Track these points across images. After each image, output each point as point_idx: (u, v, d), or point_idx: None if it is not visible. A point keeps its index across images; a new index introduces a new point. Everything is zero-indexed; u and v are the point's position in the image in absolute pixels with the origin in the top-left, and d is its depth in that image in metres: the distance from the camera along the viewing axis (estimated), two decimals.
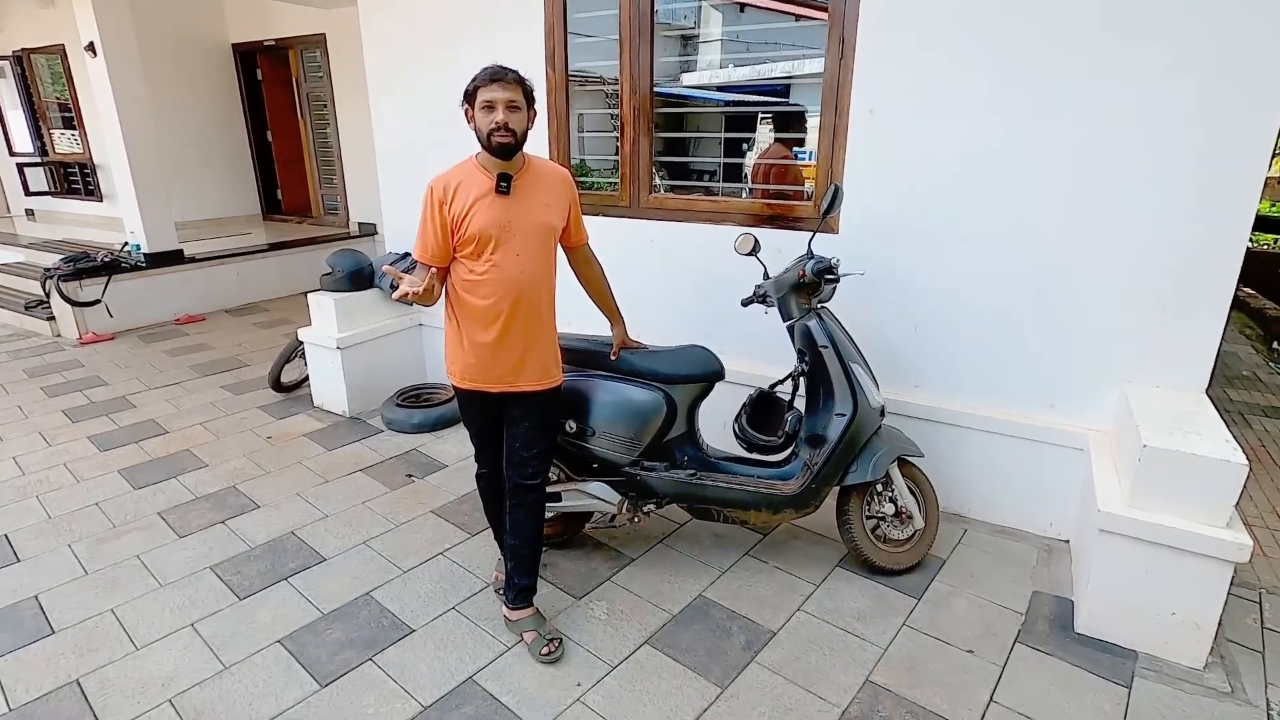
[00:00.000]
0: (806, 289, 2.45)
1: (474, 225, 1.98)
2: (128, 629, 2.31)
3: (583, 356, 2.52)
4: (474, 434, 2.31)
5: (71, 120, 8.30)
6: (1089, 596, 2.24)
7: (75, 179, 8.63)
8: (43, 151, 8.76)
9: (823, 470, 2.41)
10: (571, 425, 2.47)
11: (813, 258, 2.43)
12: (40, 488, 3.23)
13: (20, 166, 8.72)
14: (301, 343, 4.11)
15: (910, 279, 2.85)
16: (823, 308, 2.52)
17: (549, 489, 2.48)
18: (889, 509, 2.52)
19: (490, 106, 1.93)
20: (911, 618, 2.36)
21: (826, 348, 2.41)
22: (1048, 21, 2.40)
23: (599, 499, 2.55)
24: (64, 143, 8.59)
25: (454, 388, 2.21)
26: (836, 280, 2.45)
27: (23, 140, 9.02)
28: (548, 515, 2.53)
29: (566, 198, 2.18)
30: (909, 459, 2.57)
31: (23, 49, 8.31)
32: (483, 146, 2.00)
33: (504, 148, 1.96)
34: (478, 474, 2.38)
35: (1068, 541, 2.77)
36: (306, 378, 4.24)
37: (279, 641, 2.24)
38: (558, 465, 2.61)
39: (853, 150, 2.83)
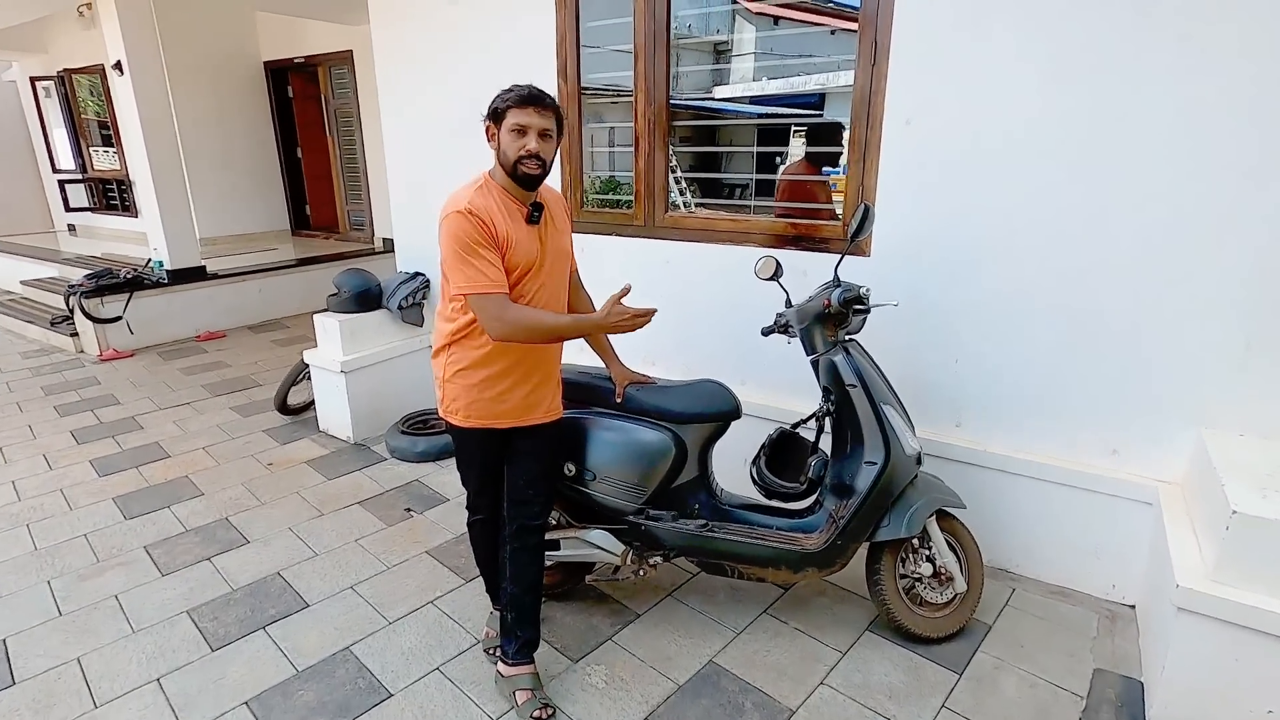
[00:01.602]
0: (832, 320, 2.19)
1: (515, 258, 1.83)
2: (90, 682, 2.14)
3: (583, 392, 2.30)
4: (475, 476, 2.11)
5: (110, 138, 8.47)
6: (1164, 682, 1.92)
7: (113, 195, 8.79)
8: (83, 168, 8.96)
9: (850, 525, 2.13)
10: (570, 468, 2.24)
11: (839, 285, 2.17)
12: (33, 515, 3.13)
13: (62, 183, 8.92)
14: (307, 365, 3.98)
15: (951, 305, 2.57)
16: (851, 340, 2.26)
17: (547, 535, 2.25)
18: (926, 569, 2.23)
19: (521, 131, 1.77)
20: (952, 698, 2.06)
21: (855, 387, 2.14)
22: (1109, 6, 2.12)
23: (601, 549, 2.31)
24: (102, 160, 8.77)
25: (454, 428, 2.01)
26: (866, 311, 2.18)
27: (65, 158, 9.25)
28: (545, 564, 2.31)
29: (570, 223, 2.10)
30: (949, 511, 2.28)
31: (65, 69, 8.52)
32: (505, 171, 1.83)
33: (530, 180, 1.81)
34: (471, 521, 2.17)
35: (1133, 607, 2.43)
36: (313, 400, 4.11)
37: (246, 704, 2.05)
38: (557, 510, 2.39)
39: (886, 164, 2.57)
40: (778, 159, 9.69)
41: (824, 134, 4.47)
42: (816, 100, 11.39)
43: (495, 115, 1.80)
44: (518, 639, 2.05)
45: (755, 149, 11.11)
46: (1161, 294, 2.21)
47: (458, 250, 1.77)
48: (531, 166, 1.78)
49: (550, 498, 2.13)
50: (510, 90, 1.78)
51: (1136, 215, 2.20)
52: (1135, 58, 2.11)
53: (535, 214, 1.86)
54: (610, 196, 5.35)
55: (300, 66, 8.01)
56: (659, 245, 3.18)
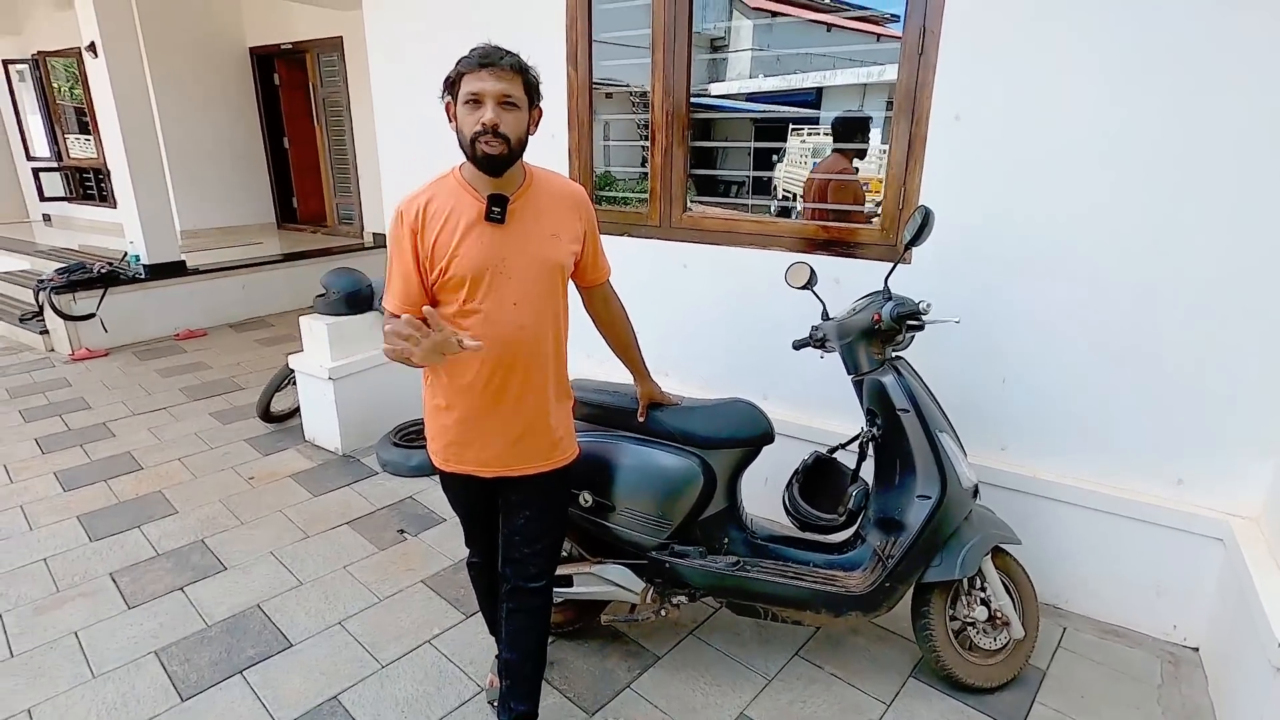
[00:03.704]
0: (881, 336, 1.97)
1: (458, 264, 1.49)
2: None
3: (602, 413, 2.07)
4: (463, 519, 1.86)
5: (87, 125, 8.11)
6: None
7: (90, 184, 8.44)
8: (58, 156, 8.60)
9: (899, 565, 1.92)
10: (586, 498, 2.01)
11: (891, 298, 1.95)
12: None
13: (36, 171, 8.55)
14: (292, 370, 3.71)
15: (1000, 318, 2.36)
16: (898, 358, 2.04)
17: (559, 571, 2.02)
18: (981, 613, 2.02)
19: (476, 101, 1.43)
20: None
21: (907, 412, 1.92)
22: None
23: (619, 586, 2.09)
24: (79, 147, 8.41)
25: (436, 469, 1.75)
26: (921, 327, 1.96)
27: (40, 145, 8.87)
28: (555, 600, 2.08)
29: (580, 225, 1.67)
30: (1003, 547, 2.07)
31: (40, 52, 8.15)
32: (466, 156, 1.50)
33: (492, 160, 1.45)
34: (469, 561, 1.93)
35: (1197, 650, 2.24)
36: (299, 407, 3.84)
37: None
38: (570, 542, 2.16)
39: (931, 164, 2.35)
40: (774, 156, 9.47)
41: (848, 130, 4.18)
42: (813, 98, 11.17)
43: (449, 87, 1.49)
44: (511, 712, 1.77)
45: (752, 144, 10.91)
46: (1235, 315, 2.01)
47: (388, 255, 1.55)
48: (491, 144, 1.42)
49: (555, 556, 1.80)
50: (464, 56, 1.46)
51: (1206, 232, 2.00)
52: (1220, 53, 1.91)
53: (495, 210, 1.49)
54: (605, 193, 5.10)
55: (287, 53, 7.70)
56: (676, 247, 2.95)
